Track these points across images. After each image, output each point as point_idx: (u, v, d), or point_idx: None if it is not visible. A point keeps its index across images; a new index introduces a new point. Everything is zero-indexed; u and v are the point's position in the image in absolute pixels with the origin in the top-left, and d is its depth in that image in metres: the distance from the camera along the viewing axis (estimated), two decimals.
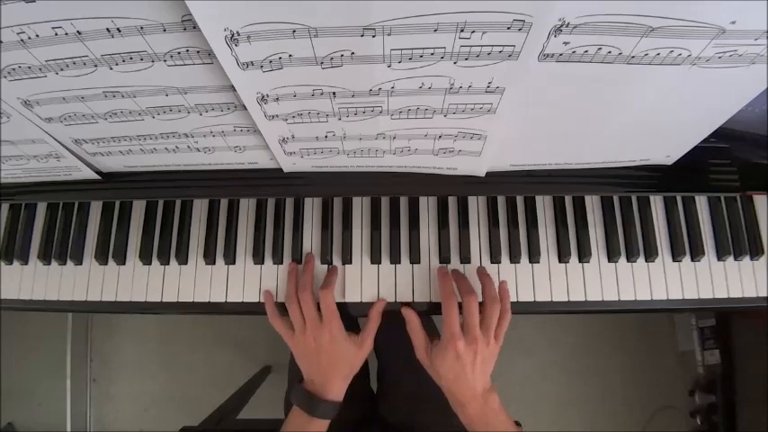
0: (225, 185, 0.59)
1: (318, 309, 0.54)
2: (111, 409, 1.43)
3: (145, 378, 1.43)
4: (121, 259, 0.61)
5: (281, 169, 0.57)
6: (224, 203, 0.62)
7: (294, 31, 0.34)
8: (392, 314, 0.58)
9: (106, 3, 0.33)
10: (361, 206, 0.61)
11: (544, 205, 0.60)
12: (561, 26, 0.33)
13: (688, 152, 0.54)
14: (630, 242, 0.58)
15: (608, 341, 1.37)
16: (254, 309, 0.57)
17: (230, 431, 0.87)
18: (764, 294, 0.56)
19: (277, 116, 0.45)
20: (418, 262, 0.58)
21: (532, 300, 0.57)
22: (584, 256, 0.58)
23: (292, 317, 0.54)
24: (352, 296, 0.58)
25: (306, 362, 0.54)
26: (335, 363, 0.53)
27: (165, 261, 0.60)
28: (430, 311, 0.58)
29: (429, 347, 0.53)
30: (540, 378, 1.36)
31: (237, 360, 1.39)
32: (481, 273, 0.56)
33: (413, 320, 0.54)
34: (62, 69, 0.40)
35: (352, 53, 0.36)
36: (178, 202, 0.62)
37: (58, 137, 0.51)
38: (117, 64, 0.39)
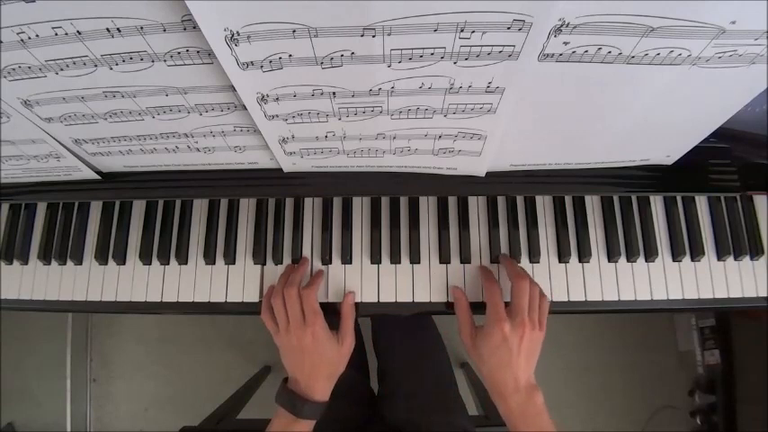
0: (225, 185, 0.59)
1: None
2: (111, 409, 1.43)
3: (145, 378, 1.43)
4: (121, 259, 0.61)
5: (281, 169, 0.57)
6: (224, 203, 0.62)
7: (294, 31, 0.34)
8: (392, 315, 0.58)
9: (106, 3, 0.33)
10: (361, 206, 0.61)
11: (544, 205, 0.60)
12: (561, 26, 0.33)
13: (688, 152, 0.54)
14: (630, 242, 0.58)
15: (608, 341, 1.37)
16: (254, 309, 0.57)
17: (230, 431, 0.87)
18: (764, 294, 0.56)
19: (277, 116, 0.45)
20: (418, 262, 0.58)
21: None
22: (584, 256, 0.58)
23: (276, 313, 0.54)
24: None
25: (290, 361, 0.54)
26: (318, 364, 0.53)
27: (165, 261, 0.60)
28: (432, 311, 0.58)
29: (474, 330, 0.52)
30: (540, 378, 1.36)
31: (237, 360, 1.40)
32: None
33: (461, 299, 0.55)
34: (62, 69, 0.40)
35: (352, 53, 0.36)
36: (178, 202, 0.62)
37: (58, 137, 0.51)
38: (117, 64, 0.39)
